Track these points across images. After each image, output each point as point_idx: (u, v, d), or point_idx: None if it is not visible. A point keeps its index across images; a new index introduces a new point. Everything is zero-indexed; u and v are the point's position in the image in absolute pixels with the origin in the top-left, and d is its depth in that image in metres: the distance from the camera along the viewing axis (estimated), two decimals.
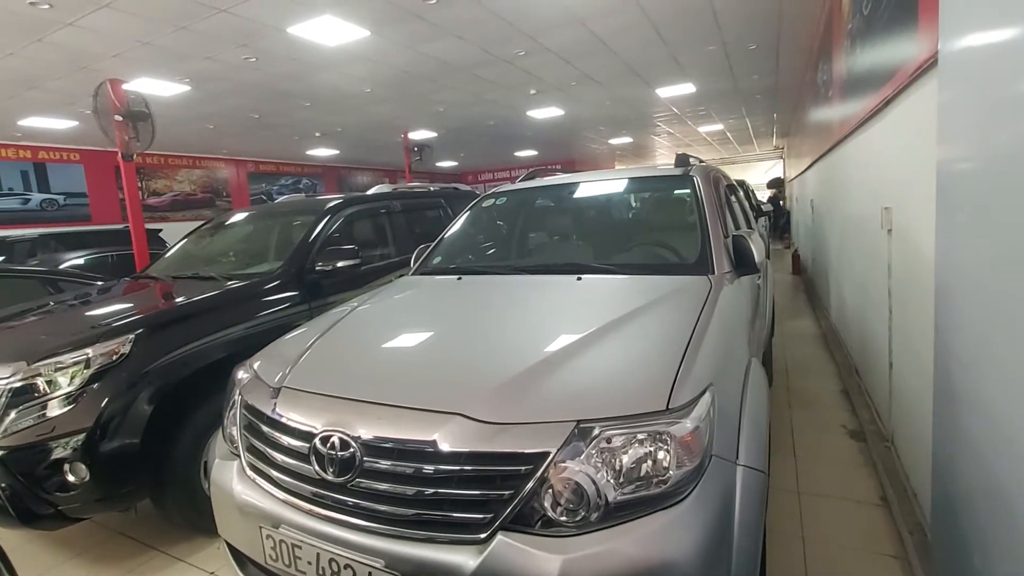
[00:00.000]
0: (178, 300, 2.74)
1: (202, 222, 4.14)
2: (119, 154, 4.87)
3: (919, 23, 1.96)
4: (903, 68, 2.15)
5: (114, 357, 2.23)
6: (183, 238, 3.92)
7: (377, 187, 4.07)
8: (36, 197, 9.88)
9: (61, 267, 5.37)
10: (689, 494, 1.10)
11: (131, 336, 2.29)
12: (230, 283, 2.89)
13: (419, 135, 11.76)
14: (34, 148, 9.76)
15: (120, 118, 4.74)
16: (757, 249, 2.05)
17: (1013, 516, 1.09)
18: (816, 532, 2.15)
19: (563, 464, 1.12)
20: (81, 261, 5.82)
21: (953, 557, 1.50)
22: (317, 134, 11.06)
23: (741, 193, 3.79)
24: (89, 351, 2.18)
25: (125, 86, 4.86)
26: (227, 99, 7.66)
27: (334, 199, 3.64)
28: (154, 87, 6.55)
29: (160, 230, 7.86)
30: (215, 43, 5.50)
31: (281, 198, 4.45)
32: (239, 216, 4.02)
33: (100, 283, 3.99)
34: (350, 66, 6.61)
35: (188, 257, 3.67)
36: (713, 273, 1.96)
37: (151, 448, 2.22)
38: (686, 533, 1.07)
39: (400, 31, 5.63)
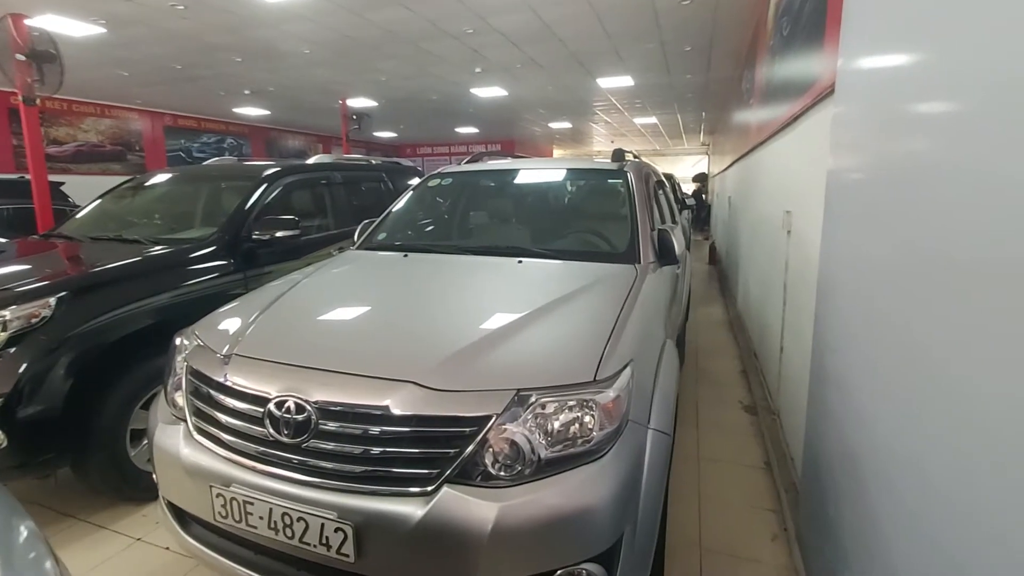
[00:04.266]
0: (103, 263, 2.62)
1: (127, 178, 3.88)
2: (20, 97, 4.39)
3: (825, 50, 2.24)
4: (811, 88, 2.45)
5: (34, 320, 2.13)
6: (99, 196, 3.67)
7: (318, 157, 3.99)
8: None
9: None
10: (608, 452, 1.30)
11: (52, 300, 2.20)
12: (157, 248, 2.80)
13: (358, 103, 11.36)
14: None
15: (23, 57, 4.27)
16: (678, 243, 2.30)
17: (860, 476, 1.34)
18: (711, 491, 2.49)
19: (503, 426, 1.27)
20: None
21: (815, 509, 1.81)
22: (246, 92, 10.40)
23: (668, 188, 4.09)
24: (6, 313, 2.09)
25: (29, 22, 4.36)
26: (147, 46, 7.04)
27: (272, 166, 3.55)
28: (63, 25, 5.91)
29: (62, 183, 7.14)
30: None
31: (211, 160, 4.25)
32: (163, 176, 3.82)
33: (4, 240, 3.66)
34: (289, 24, 6.29)
35: (107, 217, 3.46)
36: (639, 263, 2.18)
37: (73, 415, 2.17)
38: (604, 484, 1.26)
39: None
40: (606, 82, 9.77)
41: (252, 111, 12.68)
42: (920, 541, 0.97)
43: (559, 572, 1.24)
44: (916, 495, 1.00)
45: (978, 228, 0.83)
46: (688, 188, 15.89)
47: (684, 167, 25.20)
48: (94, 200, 3.65)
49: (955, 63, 0.96)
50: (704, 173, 18.35)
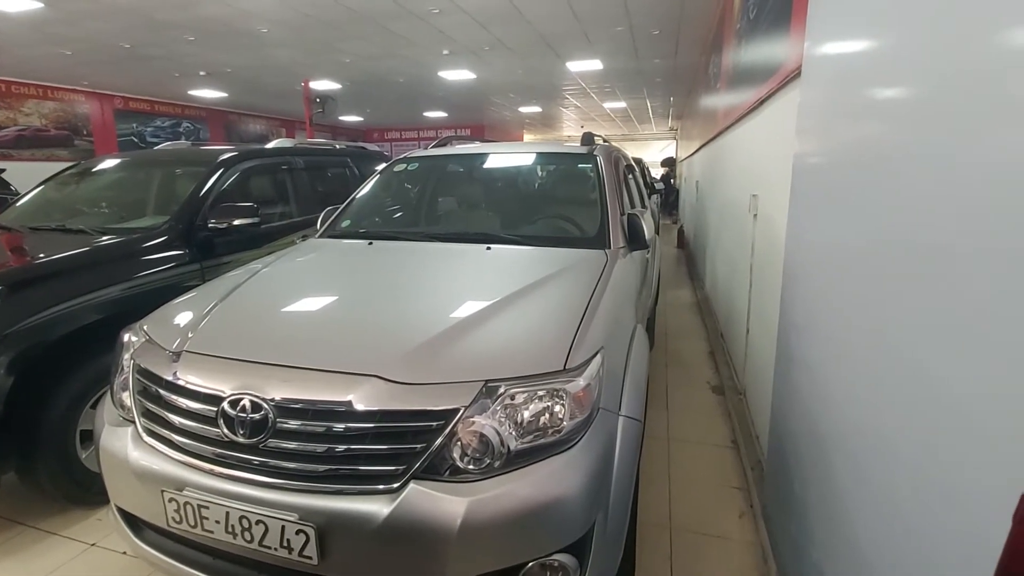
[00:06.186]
0: (44, 255, 2.45)
1: (71, 164, 3.65)
2: None
3: (792, 33, 2.24)
4: (777, 72, 2.45)
5: None
6: (41, 183, 3.45)
7: (278, 141, 3.83)
8: None
9: None
10: (578, 441, 1.28)
11: None
12: (105, 238, 2.64)
13: (322, 85, 10.99)
14: None
15: None
16: (648, 228, 2.29)
17: (825, 454, 1.37)
18: (680, 471, 2.52)
19: (471, 419, 1.23)
20: None
21: (780, 486, 1.85)
22: (202, 73, 9.92)
23: (637, 172, 4.09)
24: None
25: None
26: (91, 23, 6.61)
27: (228, 150, 3.39)
28: None
29: (3, 170, 6.72)
30: None
31: (164, 145, 4.03)
32: (111, 162, 3.61)
33: None
34: (243, 2, 5.99)
35: (50, 206, 3.26)
36: (609, 248, 2.16)
37: (16, 417, 2.04)
38: (574, 474, 1.24)
39: None
40: (575, 66, 9.69)
41: (209, 93, 12.13)
42: (882, 516, 0.98)
43: (531, 564, 1.22)
44: (879, 472, 1.01)
45: (940, 213, 0.83)
46: (657, 172, 16.03)
47: (653, 151, 25.40)
48: (35, 187, 3.43)
49: (921, 48, 0.95)
50: (672, 158, 18.53)
